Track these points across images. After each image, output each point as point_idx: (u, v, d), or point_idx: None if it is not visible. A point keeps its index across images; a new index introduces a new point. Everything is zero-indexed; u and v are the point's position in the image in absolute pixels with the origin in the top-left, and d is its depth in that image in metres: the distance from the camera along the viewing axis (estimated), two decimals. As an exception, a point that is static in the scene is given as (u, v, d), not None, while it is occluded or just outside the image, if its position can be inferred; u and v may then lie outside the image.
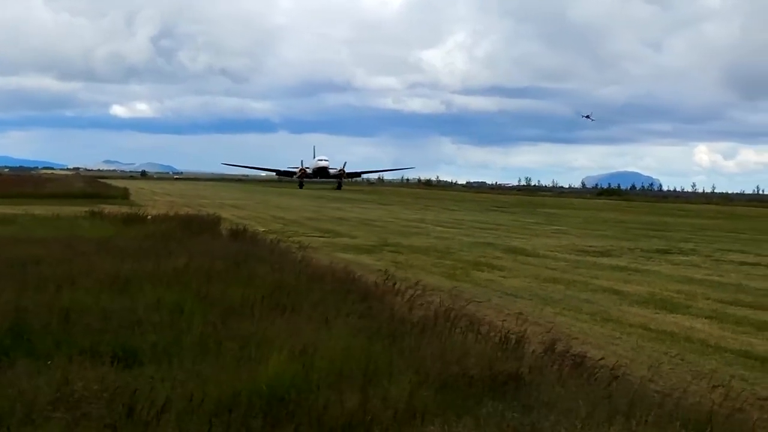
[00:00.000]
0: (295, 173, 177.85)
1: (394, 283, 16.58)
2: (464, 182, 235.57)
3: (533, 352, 11.08)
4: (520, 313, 16.53)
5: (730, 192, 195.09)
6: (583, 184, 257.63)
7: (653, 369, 11.69)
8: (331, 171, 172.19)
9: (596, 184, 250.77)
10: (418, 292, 15.84)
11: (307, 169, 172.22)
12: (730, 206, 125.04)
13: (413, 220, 53.78)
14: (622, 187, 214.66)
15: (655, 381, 11.01)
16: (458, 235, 40.71)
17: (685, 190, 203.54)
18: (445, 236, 39.38)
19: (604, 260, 29.31)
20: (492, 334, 12.06)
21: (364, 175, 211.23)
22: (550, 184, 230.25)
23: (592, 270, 25.95)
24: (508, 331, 12.04)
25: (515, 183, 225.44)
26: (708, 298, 19.99)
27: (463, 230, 44.68)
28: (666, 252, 33.27)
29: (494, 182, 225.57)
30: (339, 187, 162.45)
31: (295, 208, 66.43)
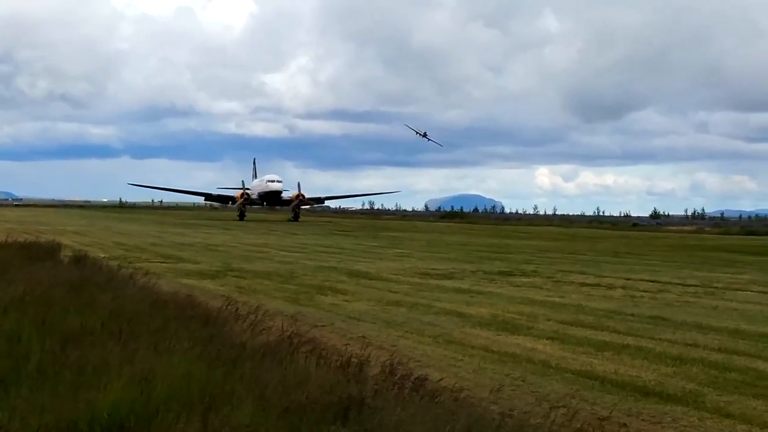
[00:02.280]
0: (232, 199, 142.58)
1: (237, 309, 16.43)
2: (308, 207, 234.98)
3: (375, 375, 11.11)
4: (364, 337, 16.62)
5: (570, 214, 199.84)
6: (427, 207, 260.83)
7: (495, 391, 11.85)
8: (284, 196, 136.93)
9: (439, 207, 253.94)
10: (261, 317, 15.74)
11: (249, 193, 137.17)
12: (571, 228, 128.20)
13: (257, 245, 53.64)
14: (465, 209, 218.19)
15: (497, 402, 11.18)
16: (302, 259, 40.72)
17: (527, 212, 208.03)
18: (288, 261, 39.36)
19: (447, 283, 29.63)
20: (335, 358, 12.04)
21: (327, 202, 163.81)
22: (394, 208, 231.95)
23: (434, 293, 26.19)
24: (351, 355, 12.04)
25: (359, 207, 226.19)
26: (549, 319, 20.34)
27: (306, 254, 44.71)
28: (508, 274, 33.83)
29: (338, 206, 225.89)
30: (296, 218, 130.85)
31: (137, 234, 65.60)
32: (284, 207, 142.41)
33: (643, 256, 51.24)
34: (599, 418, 10.87)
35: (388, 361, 11.98)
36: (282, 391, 9.44)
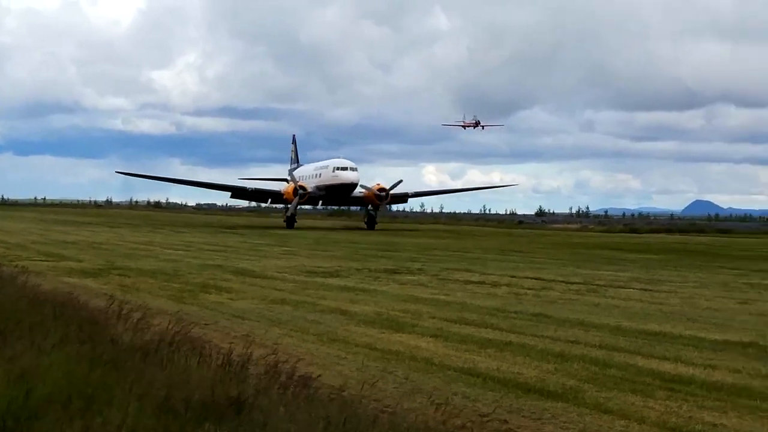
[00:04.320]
0: (274, 194, 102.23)
1: (119, 307, 16.25)
2: (195, 204, 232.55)
3: (259, 374, 11.12)
4: (247, 335, 16.57)
5: (457, 211, 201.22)
6: (313, 206, 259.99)
7: (378, 388, 11.97)
8: (359, 192, 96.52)
9: (324, 207, 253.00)
10: (144, 315, 15.62)
11: (305, 186, 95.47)
12: (457, 225, 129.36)
13: (142, 243, 53.07)
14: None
15: (379, 400, 11.27)
16: (187, 257, 40.42)
17: (414, 210, 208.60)
18: (173, 258, 39.02)
19: (333, 281, 29.68)
20: (217, 357, 12.02)
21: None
22: (281, 206, 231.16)
23: (320, 291, 26.22)
24: (234, 354, 12.04)
25: (246, 204, 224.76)
26: (434, 317, 20.51)
27: (192, 252, 44.40)
28: (394, 272, 34.01)
29: (225, 204, 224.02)
30: (371, 224, 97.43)
31: (19, 232, 64.44)
32: (353, 207, 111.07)
33: (528, 254, 51.89)
34: (480, 415, 11.02)
35: (272, 360, 12.00)
36: (163, 391, 9.40)
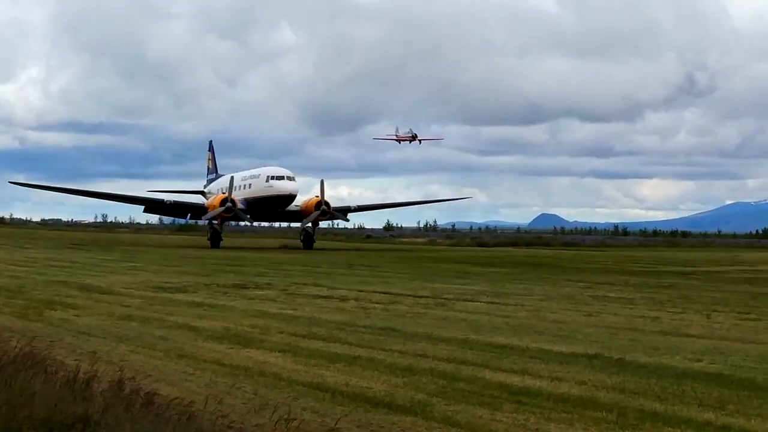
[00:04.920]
0: (194, 208, 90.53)
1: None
2: (39, 219, 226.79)
3: (104, 391, 10.90)
4: (94, 352, 16.23)
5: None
6: (161, 220, 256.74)
7: (226, 404, 11.85)
8: (295, 206, 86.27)
9: (173, 221, 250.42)
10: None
11: (234, 200, 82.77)
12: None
13: (-19, 259, 51.56)
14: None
15: (227, 416, 11.16)
16: (31, 273, 39.44)
17: (263, 225, 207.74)
18: (17, 275, 38.00)
19: (181, 296, 29.34)
20: (62, 374, 11.76)
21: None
22: (128, 221, 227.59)
23: (168, 306, 25.90)
24: (80, 371, 11.78)
25: (92, 219, 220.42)
26: (282, 332, 20.42)
27: (36, 268, 43.31)
28: (242, 287, 33.76)
29: (70, 219, 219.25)
30: (308, 243, 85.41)
31: None
32: (290, 221, 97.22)
33: (376, 268, 52.10)
34: (329, 430, 11.00)
35: (118, 377, 11.78)
36: (6, 410, 9.13)
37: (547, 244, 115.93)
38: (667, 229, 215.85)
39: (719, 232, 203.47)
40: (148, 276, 39.22)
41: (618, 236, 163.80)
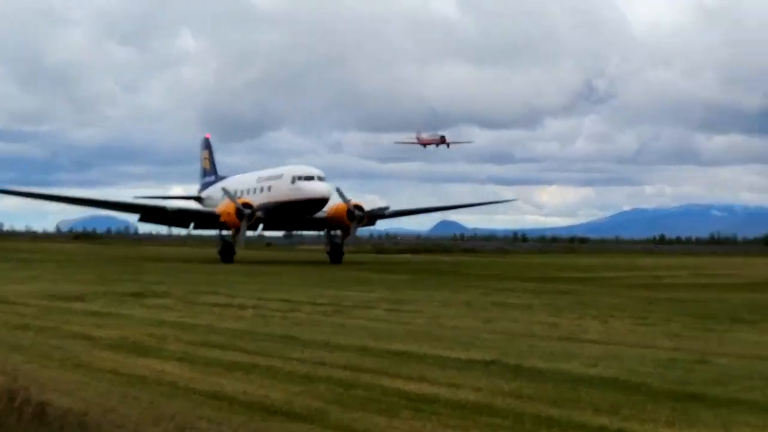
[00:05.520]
0: (206, 217, 75.80)
1: None
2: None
3: (-5, 403, 10.73)
4: (-15, 363, 16.00)
5: (204, 234, 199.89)
6: (59, 229, 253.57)
7: (121, 413, 11.74)
8: (320, 212, 73.52)
9: (71, 228, 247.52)
10: None
11: (251, 204, 70.46)
12: (205, 247, 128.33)
13: None
14: (99, 230, 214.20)
15: (123, 426, 11.06)
16: None
17: (161, 232, 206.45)
18: None
19: (77, 305, 29.00)
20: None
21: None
22: (24, 229, 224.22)
23: (64, 315, 25.59)
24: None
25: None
26: (180, 341, 20.27)
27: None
28: (140, 295, 33.43)
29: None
30: (338, 255, 74.91)
31: None
32: (314, 230, 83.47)
33: (276, 275, 52.01)
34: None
35: (11, 387, 11.61)
36: None
37: (447, 251, 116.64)
38: (566, 235, 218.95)
39: (617, 238, 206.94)
40: (44, 285, 38.77)
41: (517, 242, 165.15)
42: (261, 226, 74.53)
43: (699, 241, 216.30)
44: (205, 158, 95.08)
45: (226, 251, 71.80)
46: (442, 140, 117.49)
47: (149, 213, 78.72)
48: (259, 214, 70.45)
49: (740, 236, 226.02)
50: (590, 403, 13.36)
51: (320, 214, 73.42)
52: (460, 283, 46.26)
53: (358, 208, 71.91)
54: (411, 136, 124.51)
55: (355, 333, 22.39)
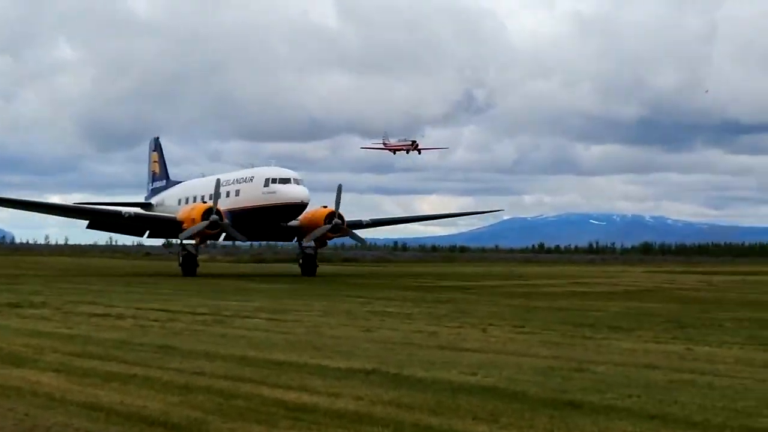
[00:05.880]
0: (165, 223, 69.21)
1: None
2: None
3: None
4: None
5: (83, 243, 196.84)
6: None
7: (-5, 427, 11.53)
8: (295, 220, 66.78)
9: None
10: None
11: (219, 210, 62.90)
12: (82, 257, 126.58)
13: None
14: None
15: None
16: None
17: (39, 242, 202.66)
18: None
19: (-52, 316, 28.36)
20: None
21: None
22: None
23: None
24: None
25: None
26: (56, 351, 19.93)
27: None
28: (16, 305, 32.81)
29: None
30: (311, 267, 67.60)
31: None
32: (283, 240, 75.84)
33: (154, 285, 51.53)
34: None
35: None
36: None
37: (327, 260, 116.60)
38: (446, 244, 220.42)
39: (497, 247, 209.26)
40: None
41: (397, 252, 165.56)
42: (223, 235, 66.23)
43: (578, 250, 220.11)
44: (155, 161, 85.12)
45: (189, 263, 64.22)
46: (414, 146, 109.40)
47: (101, 219, 70.20)
48: (225, 221, 63.18)
49: (618, 245, 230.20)
50: (469, 411, 13.45)
51: (293, 222, 66.76)
52: (340, 292, 46.32)
53: (338, 216, 65.37)
54: (377, 142, 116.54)
55: (235, 343, 22.29)
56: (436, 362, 18.85)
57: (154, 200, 78.23)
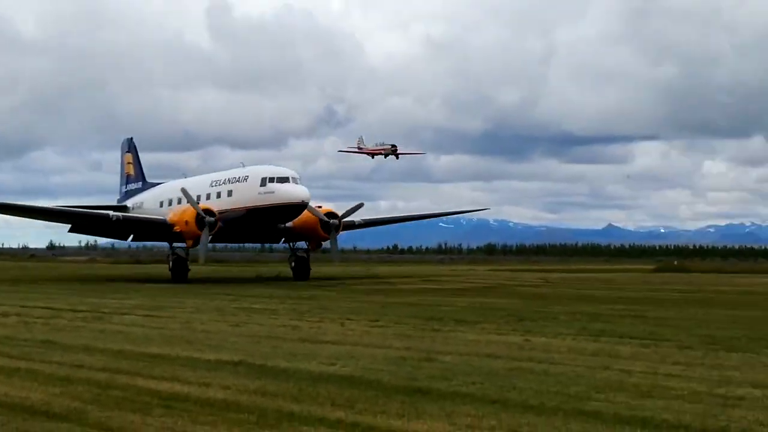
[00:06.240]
0: (155, 226, 57.54)
1: None
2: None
3: None
4: None
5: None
6: None
7: None
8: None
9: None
10: None
11: (214, 210, 54.20)
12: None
13: None
14: None
15: None
16: None
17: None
18: None
19: None
20: None
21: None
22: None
23: None
24: None
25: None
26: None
27: None
28: None
29: None
30: (303, 272, 59.96)
31: None
32: (273, 242, 67.27)
33: (38, 285, 50.44)
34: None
35: None
36: None
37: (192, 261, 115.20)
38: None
39: (354, 248, 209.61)
40: None
41: (265, 253, 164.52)
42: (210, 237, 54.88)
43: (428, 251, 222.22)
44: (129, 162, 74.36)
45: (179, 268, 55.00)
46: (393, 150, 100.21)
47: (87, 222, 59.92)
48: (219, 223, 54.13)
49: (465, 246, 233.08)
50: (328, 398, 13.54)
51: (288, 224, 57.55)
52: (211, 290, 45.98)
53: (334, 216, 57.23)
54: (352, 146, 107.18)
55: (113, 338, 22.00)
56: (297, 354, 18.87)
57: (129, 202, 67.84)
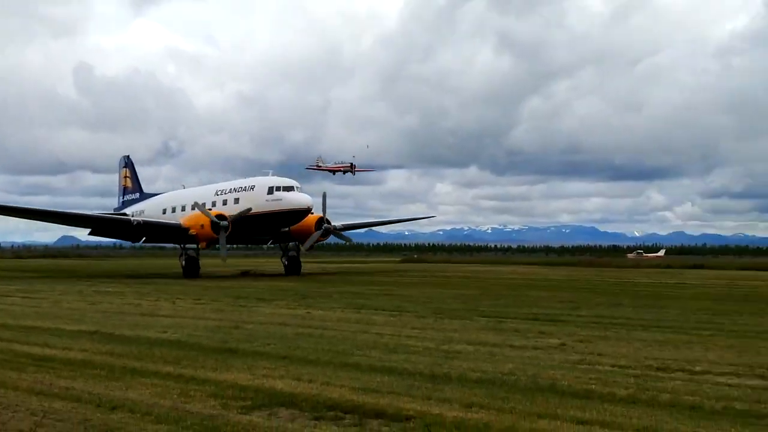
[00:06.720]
0: (170, 230, 48.05)
1: None
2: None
3: None
4: None
5: None
6: None
7: None
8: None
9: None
10: None
11: (226, 216, 45.90)
12: None
13: None
14: None
15: None
16: None
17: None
18: None
19: None
20: None
21: None
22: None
23: None
24: None
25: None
26: None
27: None
28: None
29: None
30: (295, 268, 51.22)
31: None
32: (274, 243, 53.53)
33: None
34: None
35: None
36: None
37: (65, 256, 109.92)
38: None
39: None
40: None
41: (117, 249, 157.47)
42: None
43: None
44: (126, 176, 65.11)
45: (192, 267, 47.34)
46: (352, 168, 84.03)
47: (109, 226, 51.41)
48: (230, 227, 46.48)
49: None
50: (161, 357, 13.39)
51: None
52: (75, 278, 44.11)
53: (327, 221, 50.32)
54: (312, 165, 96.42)
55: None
56: (139, 324, 18.54)
57: (128, 210, 58.62)
